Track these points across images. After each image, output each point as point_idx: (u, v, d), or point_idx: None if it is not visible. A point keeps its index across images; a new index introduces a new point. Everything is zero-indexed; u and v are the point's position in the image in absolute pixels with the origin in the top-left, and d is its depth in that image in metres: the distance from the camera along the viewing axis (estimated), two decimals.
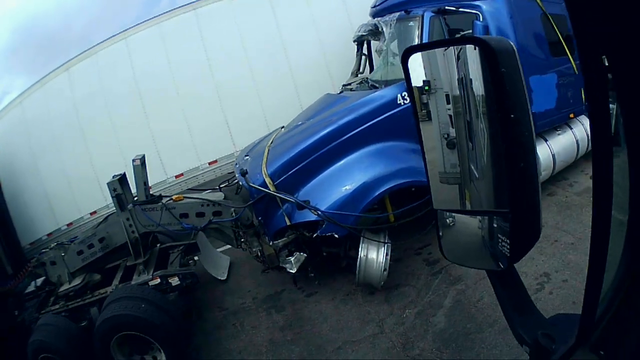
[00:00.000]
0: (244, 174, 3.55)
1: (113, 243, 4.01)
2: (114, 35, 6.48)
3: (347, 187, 3.43)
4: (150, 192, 4.12)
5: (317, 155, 3.53)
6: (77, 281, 4.07)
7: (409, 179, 3.49)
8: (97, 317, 3.71)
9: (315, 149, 3.54)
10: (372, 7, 5.06)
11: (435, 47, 0.73)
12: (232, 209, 3.71)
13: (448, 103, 0.70)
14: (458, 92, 0.69)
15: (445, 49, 0.71)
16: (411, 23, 3.95)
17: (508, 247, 0.71)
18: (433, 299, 3.60)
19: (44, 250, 4.53)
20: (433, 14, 3.87)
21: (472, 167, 0.71)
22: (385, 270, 3.55)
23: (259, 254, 3.76)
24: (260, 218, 3.61)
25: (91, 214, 6.40)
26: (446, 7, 3.88)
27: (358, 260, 3.53)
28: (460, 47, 0.68)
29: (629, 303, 0.60)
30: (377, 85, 4.03)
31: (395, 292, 3.76)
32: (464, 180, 0.72)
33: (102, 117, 6.37)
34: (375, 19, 4.63)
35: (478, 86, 0.64)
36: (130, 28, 6.47)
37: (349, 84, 4.80)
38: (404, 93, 3.63)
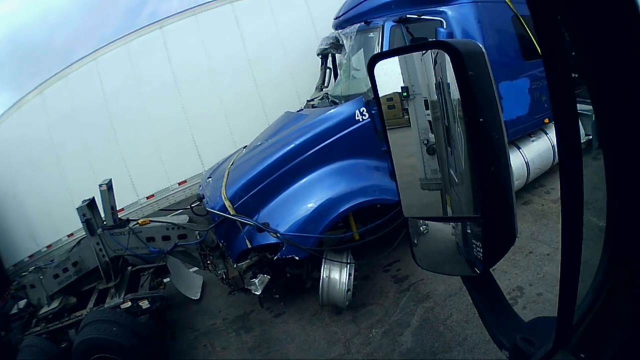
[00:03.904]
0: (200, 199, 3.61)
1: (86, 267, 4.08)
2: (84, 57, 6.56)
3: (306, 208, 3.46)
4: (119, 216, 4.24)
5: (276, 175, 3.53)
6: (55, 304, 4.17)
7: (369, 197, 3.50)
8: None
9: (273, 169, 3.54)
10: (334, 19, 5.02)
11: (402, 53, 0.74)
12: (197, 232, 3.79)
13: (427, 108, 0.71)
14: (436, 97, 0.70)
15: (423, 54, 0.71)
16: (371, 34, 3.93)
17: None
18: (401, 318, 3.60)
19: (23, 274, 4.69)
20: (394, 24, 3.83)
21: (452, 173, 0.71)
22: (349, 290, 3.57)
23: (224, 276, 3.83)
24: (222, 241, 3.69)
25: (68, 236, 6.52)
26: (408, 16, 3.85)
27: (320, 281, 3.56)
28: (437, 51, 0.69)
29: (610, 305, 0.60)
30: (337, 100, 4.02)
31: (362, 311, 3.77)
32: (445, 186, 0.73)
33: (74, 140, 6.47)
34: (337, 31, 4.62)
35: (454, 91, 0.65)
36: (99, 49, 6.54)
37: (313, 100, 4.77)
38: (362, 109, 3.63)
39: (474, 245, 0.72)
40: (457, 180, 0.71)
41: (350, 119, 3.60)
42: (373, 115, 3.67)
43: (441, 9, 4.01)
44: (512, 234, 0.71)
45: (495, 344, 0.85)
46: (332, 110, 3.73)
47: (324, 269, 3.54)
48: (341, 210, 3.44)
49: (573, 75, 0.49)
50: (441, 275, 3.86)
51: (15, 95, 7.39)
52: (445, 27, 3.84)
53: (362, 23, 4.02)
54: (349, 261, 3.56)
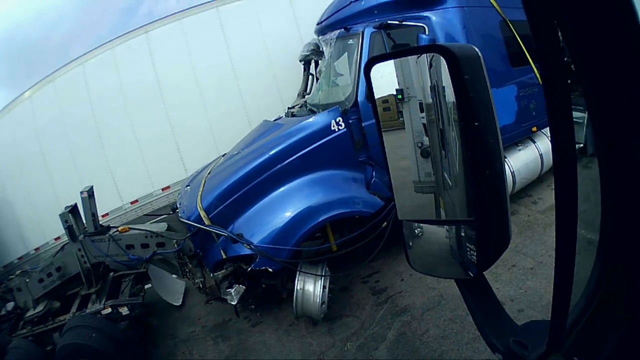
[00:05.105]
0: (174, 210, 3.62)
1: (69, 272, 4.16)
2: (72, 61, 6.55)
3: (280, 219, 3.44)
4: (100, 223, 4.29)
5: (251, 186, 3.52)
6: (40, 308, 4.28)
7: (344, 210, 3.47)
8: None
9: (248, 179, 3.53)
10: (316, 24, 4.95)
11: (399, 56, 0.75)
12: (175, 241, 3.82)
13: (422, 111, 0.71)
14: (431, 100, 0.70)
15: (418, 57, 0.72)
16: (351, 41, 3.87)
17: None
18: (377, 331, 3.58)
19: (11, 277, 4.82)
20: (375, 30, 3.77)
21: (446, 176, 0.71)
22: (323, 303, 3.56)
23: (201, 285, 3.85)
24: (198, 250, 3.70)
25: (55, 239, 6.48)
26: (389, 22, 3.78)
27: (295, 293, 3.56)
28: (432, 54, 0.69)
29: (603, 309, 0.61)
30: (314, 109, 3.99)
31: (338, 323, 3.75)
32: (439, 189, 0.73)
33: (62, 145, 6.46)
34: (319, 37, 4.56)
35: (450, 94, 0.65)
36: (87, 53, 6.53)
37: (293, 107, 4.73)
38: (339, 119, 3.59)
39: (468, 249, 0.72)
40: (450, 183, 0.71)
41: (326, 129, 3.57)
42: (350, 125, 3.63)
43: (425, 14, 3.94)
44: (506, 237, 0.71)
45: (488, 346, 0.85)
46: (307, 120, 3.69)
47: (298, 281, 3.53)
48: (315, 222, 3.42)
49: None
50: (419, 288, 3.81)
51: (11, 92, 7.51)
52: (427, 33, 3.77)
53: (342, 29, 3.96)
54: (323, 273, 3.54)
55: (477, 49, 0.69)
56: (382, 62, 0.77)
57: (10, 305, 4.62)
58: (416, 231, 0.82)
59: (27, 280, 4.31)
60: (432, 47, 0.69)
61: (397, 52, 0.77)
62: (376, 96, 0.79)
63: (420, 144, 0.73)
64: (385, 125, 0.78)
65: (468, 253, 0.72)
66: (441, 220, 0.76)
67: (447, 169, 0.71)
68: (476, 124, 0.64)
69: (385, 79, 0.76)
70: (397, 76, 0.75)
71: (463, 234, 0.73)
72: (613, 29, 0.44)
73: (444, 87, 0.67)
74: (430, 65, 0.69)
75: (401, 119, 0.75)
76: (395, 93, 0.74)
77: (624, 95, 0.47)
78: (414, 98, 0.73)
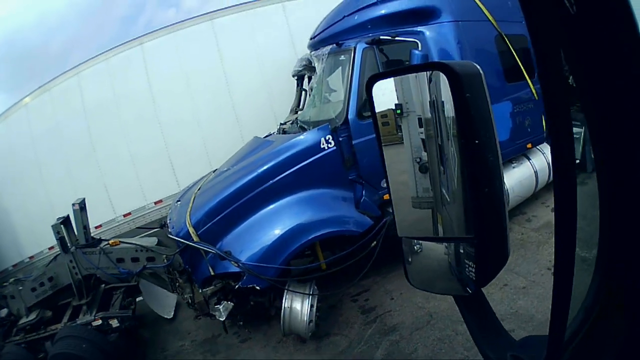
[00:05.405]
0: (162, 226, 3.62)
1: (61, 282, 4.20)
2: (67, 71, 6.51)
3: (268, 238, 3.44)
4: (92, 235, 4.32)
5: (239, 203, 3.52)
6: (32, 316, 4.31)
7: (331, 229, 3.46)
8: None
9: (237, 197, 3.53)
10: (310, 39, 4.90)
11: (400, 74, 0.76)
12: (164, 256, 3.83)
13: (421, 126, 0.71)
14: (430, 115, 0.70)
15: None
16: (342, 57, 3.84)
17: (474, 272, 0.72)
18: (365, 350, 3.56)
19: (4, 284, 4.86)
20: (367, 46, 3.74)
21: (444, 192, 0.71)
22: (311, 321, 3.55)
23: (190, 300, 3.86)
24: (187, 266, 3.70)
25: (49, 248, 6.36)
26: (381, 37, 3.75)
27: (282, 311, 3.55)
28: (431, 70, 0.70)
29: (601, 323, 0.61)
30: (305, 126, 3.95)
31: (326, 341, 3.73)
32: (437, 205, 0.73)
33: (56, 154, 6.44)
34: (311, 52, 4.53)
35: (449, 109, 0.66)
36: (82, 63, 6.49)
37: (285, 123, 4.71)
38: (328, 136, 3.57)
39: (467, 265, 0.72)
40: (449, 199, 0.71)
41: (315, 147, 3.55)
42: (340, 142, 3.61)
43: (418, 29, 3.91)
44: (504, 254, 0.71)
45: None
46: (296, 138, 3.68)
47: (285, 299, 3.53)
48: (303, 241, 3.42)
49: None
50: (409, 307, 3.79)
51: (11, 96, 7.54)
52: (420, 49, 3.74)
53: (334, 45, 3.93)
54: (311, 292, 3.53)
55: (478, 66, 0.69)
56: (384, 79, 0.78)
57: (3, 312, 4.66)
58: (415, 247, 0.82)
59: (20, 288, 4.31)
60: (434, 65, 0.70)
61: (398, 69, 0.79)
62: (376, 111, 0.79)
63: (418, 159, 0.73)
64: (384, 139, 0.79)
65: (466, 269, 0.72)
66: (440, 237, 0.76)
67: (445, 184, 0.71)
68: (476, 141, 0.65)
69: (385, 94, 0.77)
70: (396, 91, 0.75)
71: (462, 251, 0.73)
72: (615, 47, 0.45)
73: (443, 102, 0.67)
74: (430, 81, 0.70)
75: (400, 133, 0.75)
76: (394, 108, 0.75)
77: (624, 109, 0.48)
78: (413, 113, 0.73)
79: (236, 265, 3.41)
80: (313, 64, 4.16)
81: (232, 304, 3.62)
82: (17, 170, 6.67)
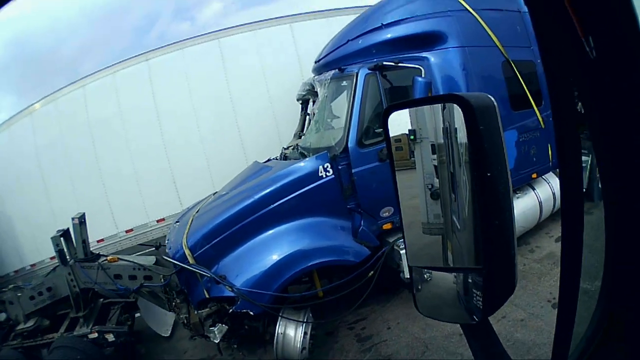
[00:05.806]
0: (157, 247, 3.64)
1: (59, 293, 4.26)
2: (73, 82, 6.53)
3: (264, 264, 3.42)
4: (90, 250, 4.35)
5: (236, 228, 3.50)
6: (30, 323, 4.39)
7: (325, 258, 3.43)
8: None
9: (234, 220, 3.51)
10: (314, 63, 4.86)
11: (416, 105, 0.79)
12: (161, 275, 3.86)
13: (434, 153, 0.72)
14: (442, 141, 0.71)
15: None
16: (344, 82, 3.80)
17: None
18: None
19: (4, 290, 4.92)
20: (369, 71, 3.70)
21: (455, 219, 0.72)
22: (304, 349, 3.53)
23: (185, 320, 3.87)
24: (183, 287, 3.72)
25: (51, 258, 6.12)
26: (384, 63, 3.70)
27: (275, 337, 3.53)
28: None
29: (603, 350, 0.62)
30: (305, 153, 3.93)
31: None
32: (447, 232, 0.74)
33: (60, 166, 6.46)
34: (315, 76, 4.50)
35: (462, 136, 0.67)
36: (88, 76, 6.52)
37: (287, 148, 4.67)
38: (327, 165, 3.55)
39: (474, 294, 0.73)
40: (459, 227, 0.72)
41: (312, 175, 3.52)
42: (339, 171, 3.58)
43: (423, 54, 3.86)
44: (512, 284, 0.72)
45: None
46: (294, 165, 3.66)
47: (279, 325, 3.52)
48: (299, 269, 3.41)
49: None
50: (405, 337, 3.75)
51: (18, 100, 7.58)
52: (423, 75, 3.69)
53: (337, 70, 3.90)
54: (305, 320, 3.51)
55: (492, 99, 0.70)
56: (400, 110, 0.80)
57: (2, 316, 4.71)
58: (425, 276, 0.84)
59: (19, 295, 4.33)
60: (450, 97, 0.70)
61: (414, 100, 0.82)
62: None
63: (430, 186, 0.74)
64: (397, 164, 0.80)
65: (474, 298, 0.73)
66: (450, 267, 0.78)
67: (457, 212, 0.72)
68: (488, 174, 0.65)
69: (400, 124, 0.78)
70: (410, 117, 0.77)
71: (470, 280, 0.74)
72: (634, 93, 0.47)
73: (456, 129, 0.68)
74: (444, 108, 0.71)
75: (412, 158, 0.76)
76: (407, 133, 0.76)
77: (636, 147, 0.49)
78: (426, 139, 0.74)
79: (230, 289, 3.41)
80: (316, 89, 4.14)
81: (226, 326, 3.62)
82: (21, 179, 6.73)
